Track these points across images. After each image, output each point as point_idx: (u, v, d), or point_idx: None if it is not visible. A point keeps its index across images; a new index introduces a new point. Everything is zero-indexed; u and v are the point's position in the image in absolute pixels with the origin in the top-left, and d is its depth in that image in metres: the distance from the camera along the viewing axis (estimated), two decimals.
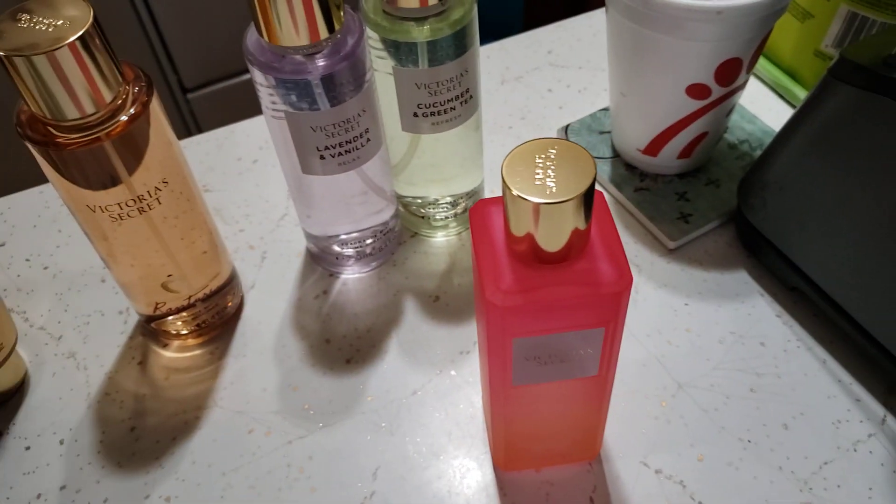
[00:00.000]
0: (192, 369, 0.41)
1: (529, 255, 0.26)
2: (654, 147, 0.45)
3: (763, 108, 0.52)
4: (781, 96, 0.53)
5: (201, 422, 0.38)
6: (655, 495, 0.35)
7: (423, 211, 0.45)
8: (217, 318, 0.41)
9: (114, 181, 0.32)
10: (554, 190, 0.23)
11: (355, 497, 0.35)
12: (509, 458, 0.35)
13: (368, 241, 0.43)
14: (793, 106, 0.52)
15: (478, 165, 0.44)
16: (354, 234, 0.43)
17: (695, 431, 0.37)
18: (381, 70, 0.37)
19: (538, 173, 0.24)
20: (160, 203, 0.34)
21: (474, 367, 0.40)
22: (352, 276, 0.44)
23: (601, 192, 0.27)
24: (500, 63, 0.57)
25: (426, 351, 0.41)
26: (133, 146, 0.32)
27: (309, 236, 0.44)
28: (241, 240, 0.47)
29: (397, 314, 0.43)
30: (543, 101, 0.54)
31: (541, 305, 0.25)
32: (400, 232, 0.46)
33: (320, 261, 0.45)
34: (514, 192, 0.24)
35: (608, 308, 0.26)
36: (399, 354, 0.41)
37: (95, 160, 0.31)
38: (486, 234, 0.27)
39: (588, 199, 0.24)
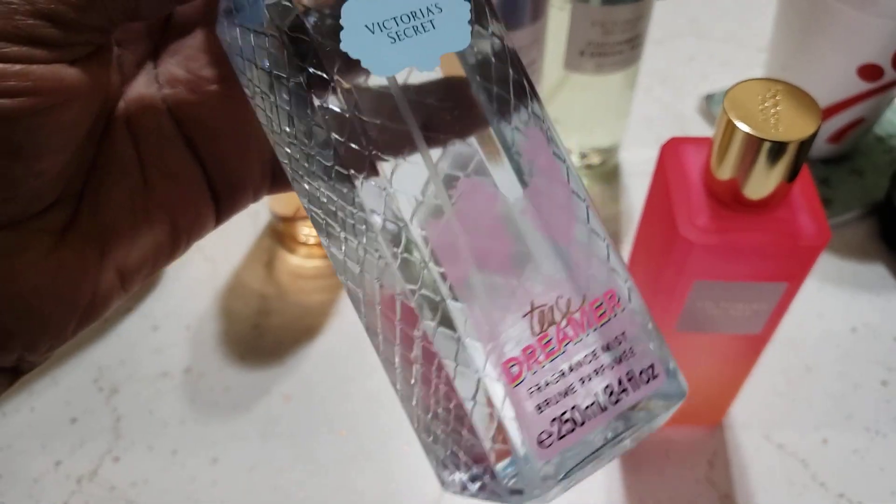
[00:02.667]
0: (317, 278, 0.41)
1: (728, 197, 0.25)
2: None
3: None
4: None
5: (324, 329, 0.39)
6: (776, 469, 0.34)
7: None
8: None
9: None
10: (779, 129, 0.23)
11: None
12: None
13: None
14: None
15: (622, 120, 0.44)
16: None
17: (820, 414, 0.36)
18: (553, 6, 0.37)
19: (761, 112, 0.23)
20: None
21: None
22: None
23: None
24: None
25: None
26: None
27: None
28: None
29: None
30: (684, 68, 0.53)
31: (734, 249, 0.25)
32: None
33: None
34: (738, 125, 0.23)
35: (799, 262, 0.25)
36: None
37: None
38: (679, 171, 0.26)
39: (808, 145, 0.23)
